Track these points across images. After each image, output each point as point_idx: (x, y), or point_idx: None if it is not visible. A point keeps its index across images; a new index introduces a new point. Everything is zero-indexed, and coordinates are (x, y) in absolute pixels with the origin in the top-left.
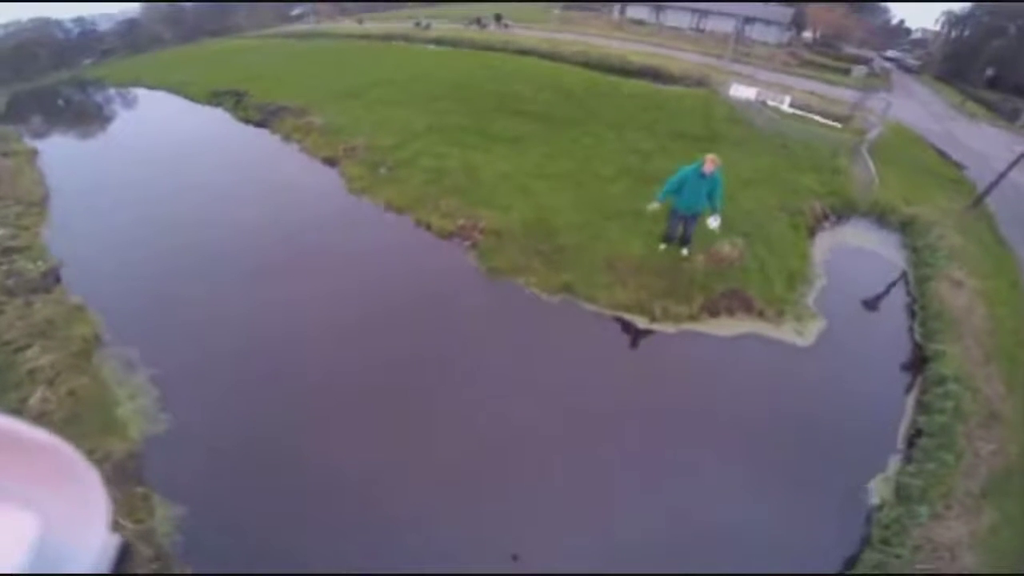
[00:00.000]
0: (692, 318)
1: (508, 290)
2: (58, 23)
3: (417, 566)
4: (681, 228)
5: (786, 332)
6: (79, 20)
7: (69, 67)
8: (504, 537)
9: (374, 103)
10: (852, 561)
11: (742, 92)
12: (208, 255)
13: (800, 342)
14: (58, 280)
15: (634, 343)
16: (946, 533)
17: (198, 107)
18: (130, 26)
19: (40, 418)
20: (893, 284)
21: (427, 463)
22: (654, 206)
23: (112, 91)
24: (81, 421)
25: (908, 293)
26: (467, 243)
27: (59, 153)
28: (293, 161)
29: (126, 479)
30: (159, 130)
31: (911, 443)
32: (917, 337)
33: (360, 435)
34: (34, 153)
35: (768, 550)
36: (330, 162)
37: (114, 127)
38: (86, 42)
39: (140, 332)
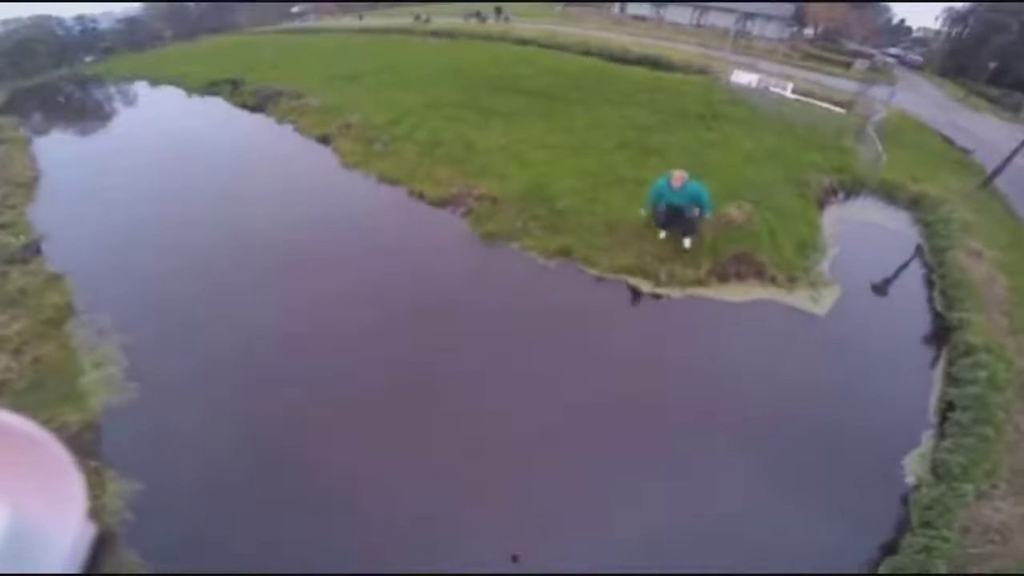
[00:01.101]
0: (700, 282)
1: (504, 255)
2: (59, 20)
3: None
4: (672, 219)
5: (800, 299)
6: (80, 18)
7: (70, 64)
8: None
9: (371, 86)
10: (892, 546)
11: (743, 79)
12: (193, 228)
13: (816, 310)
14: (38, 252)
15: (637, 309)
16: (995, 515)
17: (194, 97)
18: (131, 24)
19: (1, 387)
20: (907, 255)
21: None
22: (643, 213)
23: (109, 85)
24: (42, 390)
25: (924, 265)
26: (461, 209)
27: (53, 142)
28: (286, 139)
29: (79, 451)
30: (153, 118)
31: (943, 417)
32: (938, 307)
33: (342, 407)
34: (27, 141)
35: (795, 534)
36: (324, 140)
37: (108, 117)
38: (87, 40)
39: (115, 300)
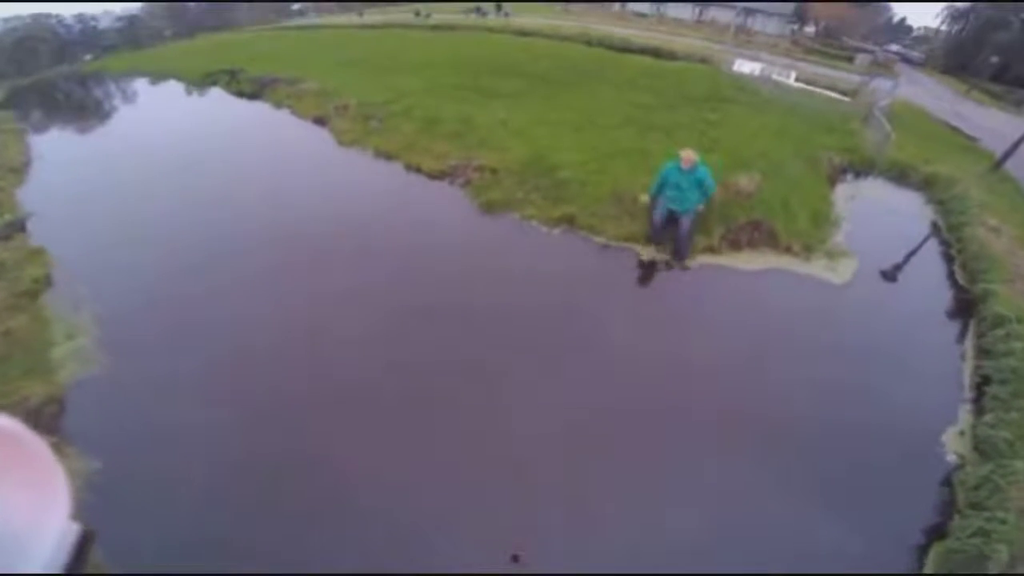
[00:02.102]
0: (712, 250)
1: (504, 224)
2: (59, 19)
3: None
4: (670, 230)
5: (817, 268)
6: (80, 17)
7: (69, 63)
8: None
9: (369, 71)
10: (939, 530)
11: (746, 67)
12: (180, 205)
13: (835, 279)
14: (22, 230)
15: (651, 277)
16: None
17: (190, 89)
18: (130, 22)
19: None
20: (923, 232)
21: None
22: (644, 198)
23: (107, 79)
24: (7, 363)
25: (941, 242)
26: (459, 181)
27: (48, 132)
28: (281, 121)
29: (38, 427)
30: (146, 107)
31: (979, 391)
32: (960, 280)
33: (331, 379)
34: (23, 132)
35: (831, 515)
36: (320, 121)
37: (103, 108)
38: (87, 38)
39: (96, 273)
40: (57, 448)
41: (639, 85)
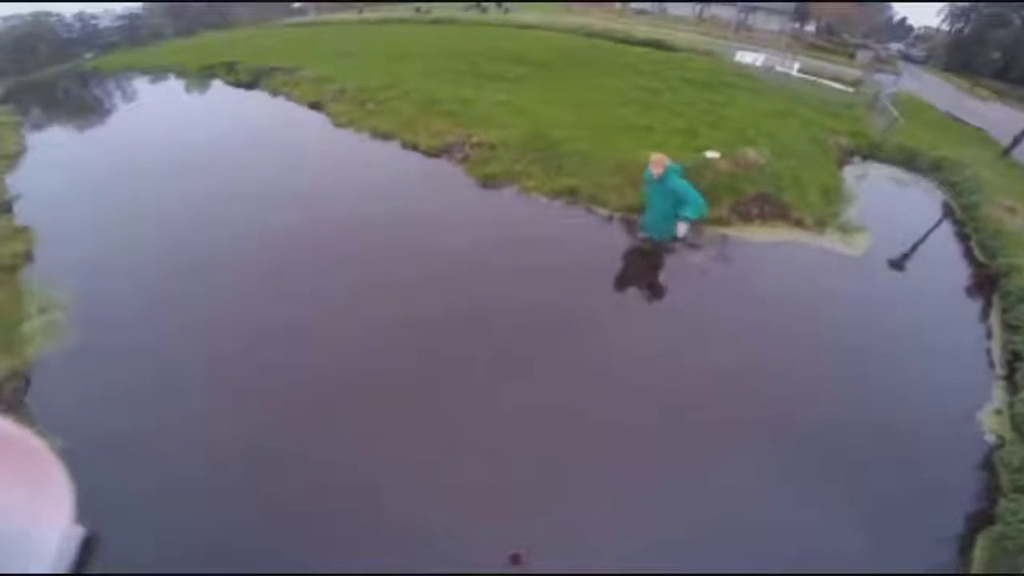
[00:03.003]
0: (722, 222)
1: (504, 196)
2: (59, 18)
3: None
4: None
5: (832, 241)
6: (80, 15)
7: (70, 61)
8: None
9: (367, 60)
10: (986, 515)
11: (748, 58)
12: (170, 183)
13: (852, 252)
14: (9, 210)
15: (657, 252)
16: None
17: (188, 81)
18: (131, 21)
19: None
20: (935, 211)
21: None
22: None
23: (105, 75)
24: None
25: (955, 222)
26: (457, 156)
27: (45, 123)
28: (277, 107)
29: None
30: (142, 98)
31: (1011, 368)
32: (979, 256)
33: (327, 350)
34: (20, 124)
35: (865, 501)
36: (316, 106)
37: (100, 101)
38: (87, 37)
39: (80, 250)
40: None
41: (641, 71)
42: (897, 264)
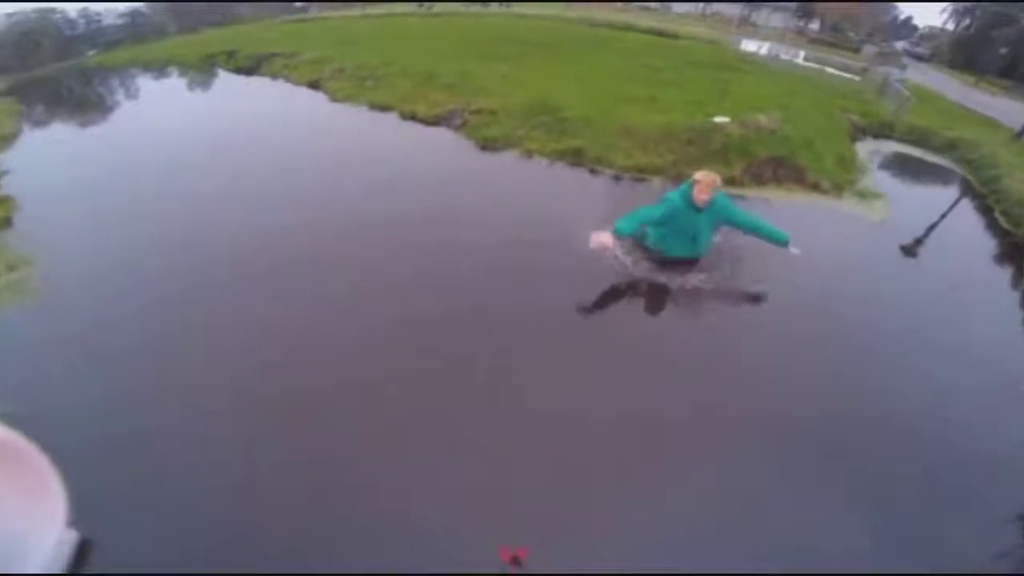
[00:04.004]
0: (735, 182)
1: (503, 158)
2: (63, 14)
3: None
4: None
5: (852, 206)
6: (83, 12)
7: (73, 57)
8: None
9: (367, 44)
10: None
11: (752, 46)
12: (161, 158)
13: (874, 216)
14: None
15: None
16: None
17: (189, 70)
18: (134, 18)
19: None
20: (953, 185)
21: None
22: (601, 239)
23: (107, 69)
24: None
25: (975, 195)
26: (456, 122)
27: (44, 110)
28: (275, 87)
29: None
30: (140, 85)
31: None
32: (1004, 224)
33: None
34: (19, 111)
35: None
36: (315, 85)
37: (100, 91)
38: (90, 34)
39: (62, 217)
40: None
41: (645, 53)
42: (922, 234)
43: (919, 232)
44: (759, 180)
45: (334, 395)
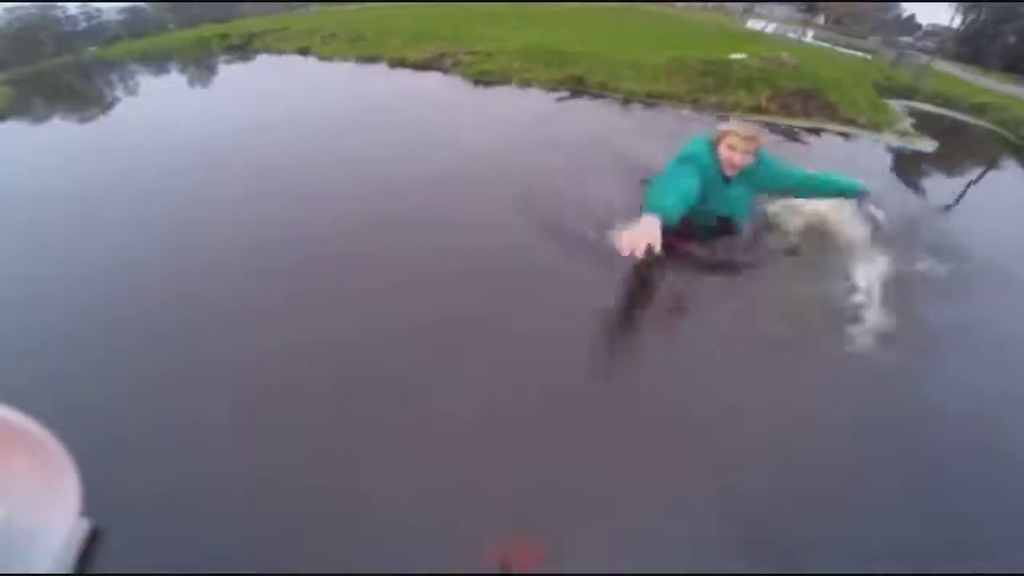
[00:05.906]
0: (760, 109)
1: (499, 91)
2: (64, 10)
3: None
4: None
5: (894, 138)
6: (84, 7)
7: (73, 53)
8: None
9: (360, 19)
10: None
11: (759, 25)
12: (146, 132)
13: (921, 146)
14: None
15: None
16: None
17: (181, 53)
18: (134, 14)
19: None
20: (990, 138)
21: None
22: (635, 236)
23: (109, 63)
24: None
25: (1014, 150)
26: (448, 63)
27: (36, 94)
28: (262, 57)
29: None
30: (130, 68)
31: None
32: None
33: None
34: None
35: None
36: (304, 51)
37: (94, 82)
38: (90, 29)
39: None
40: None
41: (650, 24)
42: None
43: (971, 166)
44: (788, 111)
45: (359, 386)
